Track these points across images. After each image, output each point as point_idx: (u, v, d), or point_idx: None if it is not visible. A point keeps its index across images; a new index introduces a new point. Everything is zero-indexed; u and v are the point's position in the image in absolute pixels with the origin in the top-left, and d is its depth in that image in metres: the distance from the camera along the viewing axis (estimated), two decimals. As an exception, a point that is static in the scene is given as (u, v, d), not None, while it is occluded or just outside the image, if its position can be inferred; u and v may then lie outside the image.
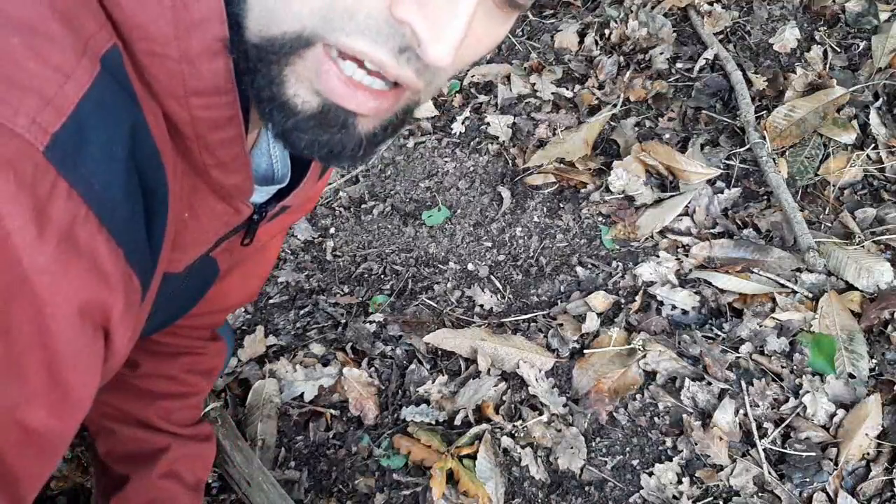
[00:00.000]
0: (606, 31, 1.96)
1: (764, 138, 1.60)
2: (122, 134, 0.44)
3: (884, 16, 1.81)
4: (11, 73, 0.39)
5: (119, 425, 0.99)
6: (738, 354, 1.28)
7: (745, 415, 1.21)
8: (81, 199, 0.42)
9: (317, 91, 0.47)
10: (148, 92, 0.47)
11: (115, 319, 0.48)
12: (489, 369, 1.31)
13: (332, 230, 1.63)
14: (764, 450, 1.17)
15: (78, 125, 0.41)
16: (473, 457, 1.18)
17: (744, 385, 1.24)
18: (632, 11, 1.99)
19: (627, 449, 1.21)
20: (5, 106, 0.39)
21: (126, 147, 0.45)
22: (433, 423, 1.25)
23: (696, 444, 1.19)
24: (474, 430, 1.21)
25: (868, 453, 1.15)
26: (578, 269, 1.48)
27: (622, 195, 1.59)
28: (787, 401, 1.22)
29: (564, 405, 1.25)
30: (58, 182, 0.41)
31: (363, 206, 1.67)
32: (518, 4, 0.48)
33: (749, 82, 1.74)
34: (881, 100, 1.65)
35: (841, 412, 1.19)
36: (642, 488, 1.16)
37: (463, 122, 1.81)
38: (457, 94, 1.89)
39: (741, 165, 1.61)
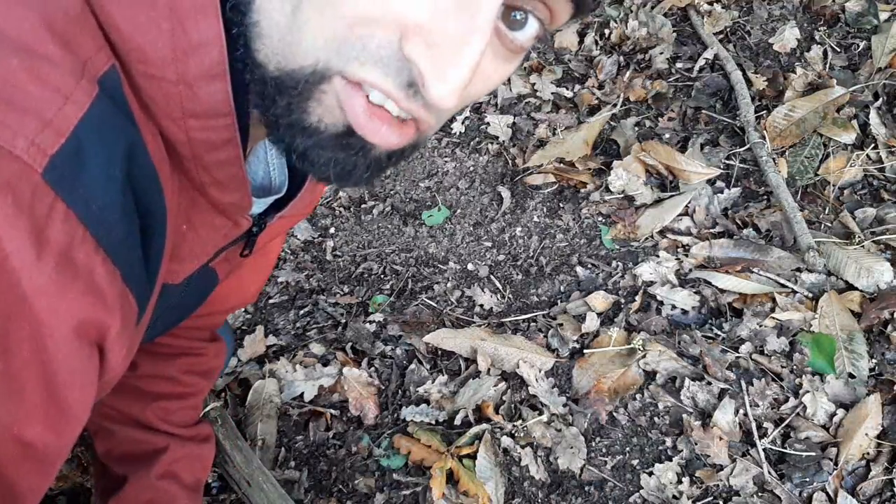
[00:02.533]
0: (606, 31, 1.97)
1: (764, 138, 1.60)
2: (119, 155, 0.44)
3: (884, 16, 1.81)
4: (10, 95, 0.39)
5: (117, 426, 0.99)
6: (737, 354, 1.28)
7: (745, 415, 1.21)
8: (79, 221, 0.42)
9: (344, 116, 0.47)
10: (145, 112, 0.48)
11: (111, 338, 0.48)
12: (489, 369, 1.31)
13: (332, 230, 1.63)
14: (764, 449, 1.17)
15: (76, 147, 0.41)
16: (473, 457, 1.18)
17: (744, 385, 1.24)
18: (632, 11, 1.99)
19: (627, 449, 1.21)
20: (4, 128, 0.39)
21: (123, 168, 0.45)
22: (433, 422, 1.25)
23: (695, 444, 1.19)
24: (474, 429, 1.22)
25: (868, 453, 1.15)
26: (578, 268, 1.48)
27: (622, 195, 1.59)
28: (786, 401, 1.22)
29: (564, 405, 1.25)
30: (56, 204, 0.41)
31: (363, 205, 1.67)
32: (526, 48, 0.49)
33: (749, 82, 1.74)
34: (881, 100, 1.65)
35: (841, 412, 1.19)
36: (642, 488, 1.16)
37: (463, 122, 1.81)
38: (457, 94, 1.89)
39: (741, 165, 1.61)
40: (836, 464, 1.14)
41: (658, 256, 1.46)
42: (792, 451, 1.16)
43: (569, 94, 1.84)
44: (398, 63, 0.44)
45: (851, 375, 1.23)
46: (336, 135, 0.48)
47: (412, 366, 1.33)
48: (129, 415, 0.99)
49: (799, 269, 1.39)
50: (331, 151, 0.49)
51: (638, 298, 1.39)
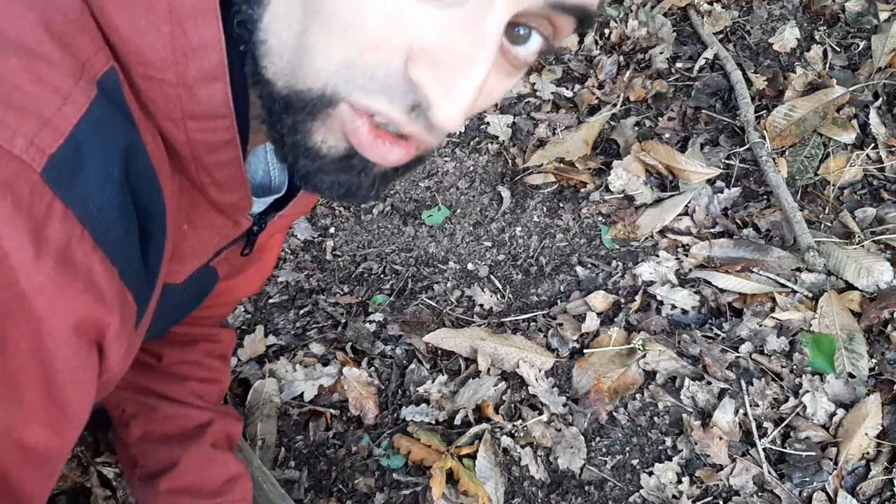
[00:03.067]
0: (606, 31, 1.97)
1: (764, 138, 1.60)
2: (118, 155, 0.45)
3: (883, 15, 1.81)
4: (9, 95, 0.40)
5: (160, 402, 1.00)
6: (737, 354, 1.28)
7: (745, 414, 1.21)
8: (77, 220, 0.42)
9: (346, 139, 0.48)
10: (145, 114, 0.48)
11: (109, 337, 0.48)
12: (489, 369, 1.31)
13: (331, 230, 1.63)
14: (764, 449, 1.17)
15: (75, 147, 0.42)
16: (473, 456, 1.19)
17: (743, 385, 1.24)
18: (631, 11, 1.99)
19: (627, 448, 1.21)
20: (3, 127, 0.39)
21: (122, 168, 0.45)
22: (433, 422, 1.25)
23: (695, 444, 1.19)
24: (474, 429, 1.22)
25: (868, 453, 1.15)
26: (578, 268, 1.48)
27: (622, 195, 1.59)
28: (786, 400, 1.22)
29: (564, 405, 1.25)
30: (54, 203, 0.41)
31: (363, 205, 1.67)
32: (529, 62, 0.49)
33: (749, 82, 1.74)
34: (881, 99, 1.65)
35: (841, 412, 1.20)
36: (642, 488, 1.16)
37: (463, 119, 1.80)
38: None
39: (741, 165, 1.61)
40: (836, 463, 1.14)
41: (658, 256, 1.46)
42: (792, 451, 1.16)
43: (569, 93, 1.84)
44: (403, 87, 0.45)
45: (851, 375, 1.23)
46: (338, 158, 0.49)
47: (412, 365, 1.34)
48: (168, 395, 1.01)
49: (799, 269, 1.39)
50: (333, 175, 0.50)
51: (638, 298, 1.39)
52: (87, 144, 0.42)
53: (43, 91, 0.41)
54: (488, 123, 1.78)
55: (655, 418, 1.24)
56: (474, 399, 1.26)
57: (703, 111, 1.73)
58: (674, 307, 1.37)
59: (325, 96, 0.46)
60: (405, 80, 0.44)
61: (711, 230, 1.50)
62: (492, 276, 1.50)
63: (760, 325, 1.31)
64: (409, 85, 0.44)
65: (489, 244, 1.56)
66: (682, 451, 1.19)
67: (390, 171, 0.53)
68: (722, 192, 1.55)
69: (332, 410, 1.29)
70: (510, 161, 1.72)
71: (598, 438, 1.22)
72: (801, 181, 1.56)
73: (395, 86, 0.45)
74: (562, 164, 1.66)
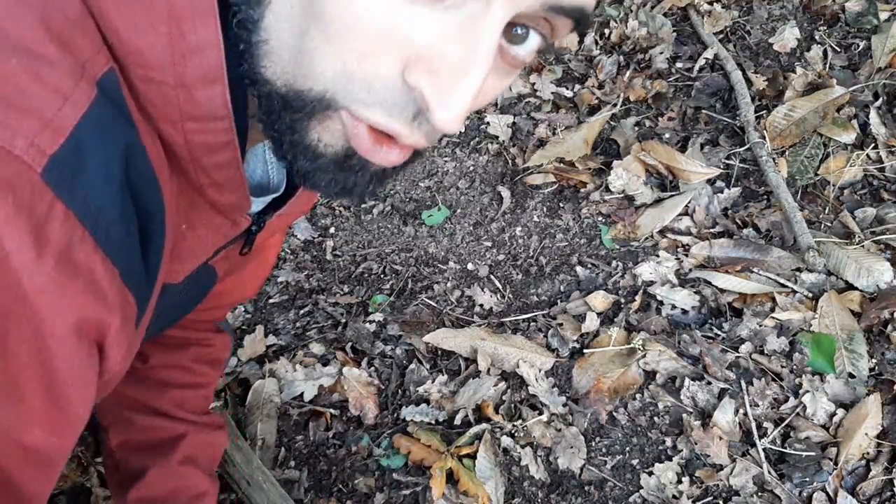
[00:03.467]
0: (606, 31, 1.97)
1: (764, 138, 1.60)
2: (118, 156, 0.44)
3: (884, 15, 1.81)
4: (9, 95, 0.40)
5: (135, 414, 1.00)
6: (737, 354, 1.28)
7: (745, 414, 1.21)
8: (78, 220, 0.42)
9: (345, 139, 0.48)
10: (144, 115, 0.48)
11: (110, 337, 0.48)
12: (489, 369, 1.31)
13: (331, 230, 1.63)
14: (764, 449, 1.17)
15: (76, 147, 0.41)
16: (473, 456, 1.19)
17: (743, 385, 1.24)
18: (631, 11, 1.99)
19: (627, 448, 1.21)
20: (4, 128, 0.39)
21: (122, 169, 0.45)
22: (433, 422, 1.25)
23: (695, 444, 1.19)
24: (474, 429, 1.22)
25: (868, 453, 1.15)
26: (578, 268, 1.48)
27: (622, 195, 1.59)
28: (786, 400, 1.22)
29: (564, 405, 1.25)
30: (55, 204, 0.41)
31: (363, 205, 1.67)
32: (527, 62, 0.50)
33: (749, 82, 1.74)
34: (881, 99, 1.65)
35: (841, 412, 1.20)
36: (642, 488, 1.16)
37: (463, 122, 1.80)
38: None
39: (741, 165, 1.61)
40: (836, 463, 1.14)
41: (658, 256, 1.46)
42: (792, 451, 1.16)
43: (569, 93, 1.84)
44: (403, 97, 0.45)
45: (851, 375, 1.23)
46: (336, 159, 0.49)
47: (412, 365, 1.34)
48: (147, 404, 1.00)
49: (799, 269, 1.39)
50: (331, 174, 0.50)
51: (638, 298, 1.39)
52: (87, 145, 0.42)
53: (43, 91, 0.41)
54: (488, 123, 1.78)
55: (655, 418, 1.24)
56: (474, 399, 1.26)
57: (703, 111, 1.73)
58: (674, 307, 1.37)
59: (325, 100, 0.46)
60: (403, 89, 0.45)
61: (711, 230, 1.50)
62: (492, 276, 1.50)
63: (760, 325, 1.31)
64: (407, 93, 0.45)
65: (489, 244, 1.56)
66: (682, 451, 1.19)
67: (388, 170, 0.53)
68: (722, 192, 1.55)
69: (332, 410, 1.29)
70: (510, 161, 1.72)
71: (598, 438, 1.22)
72: (801, 181, 1.56)
73: (393, 97, 0.45)
74: (562, 164, 1.66)
